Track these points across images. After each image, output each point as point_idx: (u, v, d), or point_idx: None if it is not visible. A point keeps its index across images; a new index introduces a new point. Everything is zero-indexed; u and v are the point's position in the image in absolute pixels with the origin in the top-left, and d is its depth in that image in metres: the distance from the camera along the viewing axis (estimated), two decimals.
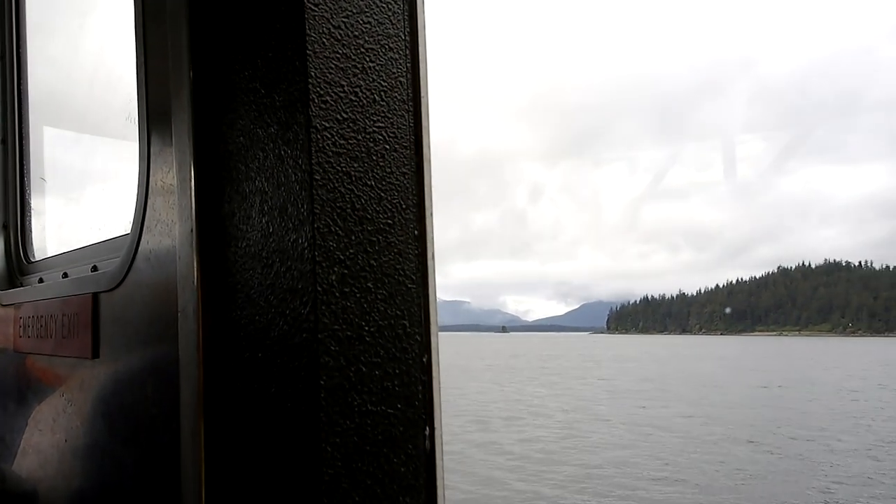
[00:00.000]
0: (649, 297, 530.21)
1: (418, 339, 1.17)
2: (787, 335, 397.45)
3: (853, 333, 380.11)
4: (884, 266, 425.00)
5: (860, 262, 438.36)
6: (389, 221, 1.16)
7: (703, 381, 56.27)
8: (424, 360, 1.17)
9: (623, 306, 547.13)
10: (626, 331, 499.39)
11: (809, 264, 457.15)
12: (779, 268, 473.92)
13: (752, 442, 26.78)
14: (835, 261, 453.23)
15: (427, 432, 1.16)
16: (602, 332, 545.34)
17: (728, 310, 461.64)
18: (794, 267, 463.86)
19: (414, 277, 1.18)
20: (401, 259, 1.17)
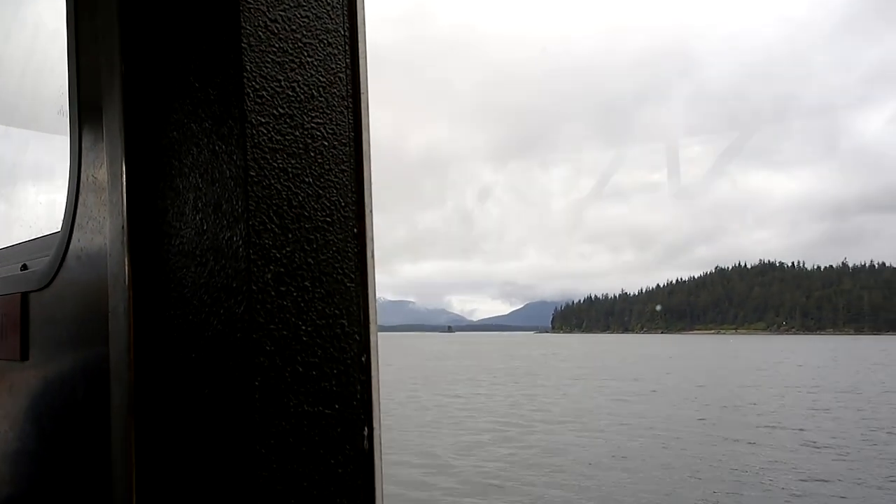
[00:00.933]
0: (593, 296, 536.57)
1: (357, 338, 1.16)
2: (724, 333, 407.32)
3: (787, 331, 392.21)
4: (815, 266, 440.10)
5: (793, 263, 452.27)
6: (328, 219, 1.14)
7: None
8: (363, 359, 1.16)
9: (567, 306, 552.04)
10: (571, 330, 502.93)
11: (745, 265, 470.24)
12: (716, 268, 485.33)
13: None
14: (769, 261, 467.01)
15: (366, 433, 1.15)
16: (547, 332, 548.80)
17: (658, 307, 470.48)
18: (730, 267, 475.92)
19: (353, 276, 1.16)
20: (339, 257, 1.15)
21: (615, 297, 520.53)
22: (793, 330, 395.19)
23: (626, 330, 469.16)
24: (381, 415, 1.18)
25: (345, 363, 1.14)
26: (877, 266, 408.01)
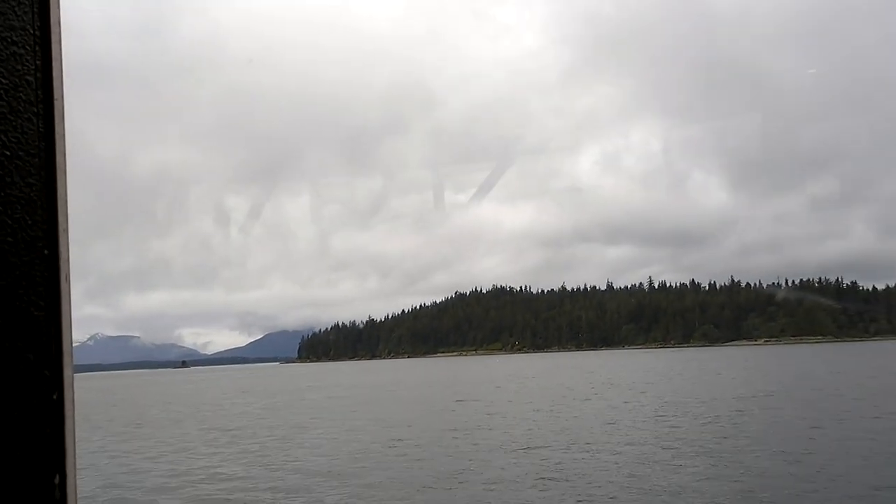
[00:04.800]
0: (339, 324, 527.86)
1: (46, 373, 1.02)
2: (466, 355, 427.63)
3: (520, 350, 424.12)
4: (539, 290, 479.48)
5: (521, 287, 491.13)
6: (10, 239, 1.00)
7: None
8: (55, 397, 1.03)
9: (315, 334, 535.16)
10: (318, 359, 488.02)
11: (481, 289, 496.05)
12: (456, 293, 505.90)
13: None
14: (501, 286, 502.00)
15: (57, 480, 1.02)
16: (292, 362, 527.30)
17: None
18: (468, 292, 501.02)
19: (41, 304, 1.02)
20: (24, 282, 1.01)
21: (363, 323, 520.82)
22: (525, 349, 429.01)
23: (373, 356, 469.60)
24: (77, 459, 1.05)
25: (31, 403, 1.01)
26: (589, 289, 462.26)
